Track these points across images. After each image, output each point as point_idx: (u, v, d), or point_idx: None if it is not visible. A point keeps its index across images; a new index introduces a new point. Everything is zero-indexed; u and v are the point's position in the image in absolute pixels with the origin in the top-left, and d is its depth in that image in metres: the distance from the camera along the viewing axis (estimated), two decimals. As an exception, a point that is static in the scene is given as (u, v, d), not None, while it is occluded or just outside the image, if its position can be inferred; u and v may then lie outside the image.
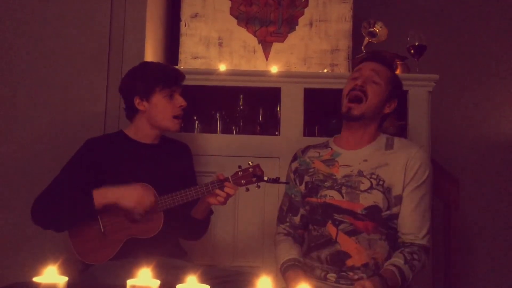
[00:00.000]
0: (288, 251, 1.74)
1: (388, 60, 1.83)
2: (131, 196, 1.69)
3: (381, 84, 1.73)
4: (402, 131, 2.40)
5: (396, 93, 1.79)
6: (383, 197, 1.66)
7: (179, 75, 1.90)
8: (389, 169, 1.69)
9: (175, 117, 1.86)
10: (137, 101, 1.85)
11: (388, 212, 1.66)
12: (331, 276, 1.67)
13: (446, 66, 3.08)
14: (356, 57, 2.45)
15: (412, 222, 1.66)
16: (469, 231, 3.06)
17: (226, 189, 1.72)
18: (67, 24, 2.34)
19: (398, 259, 1.60)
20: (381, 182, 1.67)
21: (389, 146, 1.74)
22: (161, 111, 1.84)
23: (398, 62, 2.47)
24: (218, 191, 1.72)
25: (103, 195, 1.70)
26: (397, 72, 2.43)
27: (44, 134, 2.29)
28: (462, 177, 2.74)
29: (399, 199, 1.67)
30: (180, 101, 1.87)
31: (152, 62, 2.03)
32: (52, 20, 2.34)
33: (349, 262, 1.66)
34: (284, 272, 1.70)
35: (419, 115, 2.33)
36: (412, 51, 2.40)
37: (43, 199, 1.75)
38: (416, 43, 2.39)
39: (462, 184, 2.57)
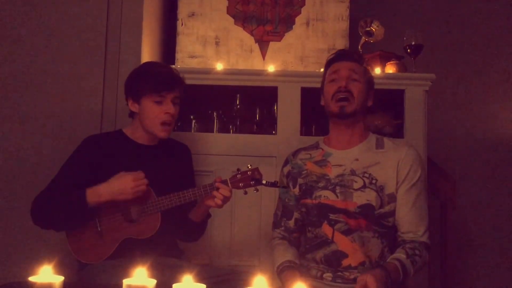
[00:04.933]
0: (284, 254, 1.75)
1: (358, 56, 1.86)
2: (124, 188, 1.67)
3: (361, 81, 1.77)
4: (398, 130, 2.41)
5: (372, 84, 1.84)
6: (376, 196, 1.67)
7: (171, 82, 1.82)
8: (381, 167, 1.71)
9: (163, 123, 1.81)
10: (130, 101, 1.85)
11: (381, 210, 1.68)
12: (327, 275, 1.68)
13: (443, 65, 3.09)
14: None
15: (410, 221, 1.68)
16: (466, 230, 3.07)
17: (221, 191, 1.71)
18: (64, 23, 2.33)
19: (400, 254, 1.62)
20: (373, 181, 1.69)
21: (379, 145, 1.77)
22: (148, 115, 1.82)
23: (394, 62, 2.48)
24: (215, 193, 1.72)
25: (97, 194, 1.68)
26: (393, 71, 2.44)
27: (40, 133, 2.28)
28: (458, 176, 2.75)
29: (392, 197, 1.69)
30: (167, 107, 1.80)
31: (152, 64, 1.96)
32: (49, 18, 2.33)
33: (345, 262, 1.66)
34: (280, 273, 1.71)
35: (416, 114, 2.34)
36: (408, 50, 2.41)
37: (42, 200, 1.75)
38: (413, 43, 2.39)
39: (458, 183, 2.58)
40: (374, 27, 2.58)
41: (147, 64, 1.99)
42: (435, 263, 2.50)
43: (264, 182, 1.73)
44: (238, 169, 1.75)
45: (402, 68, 2.47)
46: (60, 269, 1.13)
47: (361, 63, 1.82)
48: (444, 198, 2.49)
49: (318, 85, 2.36)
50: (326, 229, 1.70)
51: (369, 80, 1.82)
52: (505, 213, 3.10)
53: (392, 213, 1.69)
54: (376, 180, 1.69)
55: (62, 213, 1.71)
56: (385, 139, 1.80)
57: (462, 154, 3.12)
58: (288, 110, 2.35)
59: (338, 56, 1.83)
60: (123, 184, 1.68)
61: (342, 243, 1.67)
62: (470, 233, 3.08)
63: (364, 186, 1.69)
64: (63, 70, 2.32)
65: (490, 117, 3.17)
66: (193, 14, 2.60)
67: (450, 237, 2.46)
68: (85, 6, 2.35)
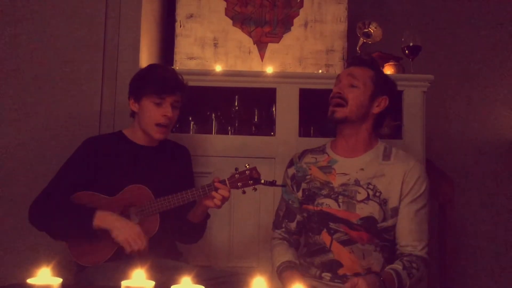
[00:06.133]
0: (284, 254, 1.74)
1: (367, 61, 1.81)
2: (124, 231, 1.66)
3: (360, 86, 1.72)
4: (397, 132, 2.41)
5: (384, 90, 1.76)
6: (379, 209, 1.65)
7: (173, 86, 1.83)
8: (385, 180, 1.68)
9: (158, 125, 1.82)
10: (131, 101, 1.87)
11: (384, 223, 1.66)
12: (326, 275, 1.68)
13: (441, 66, 3.09)
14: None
15: (410, 235, 1.66)
16: (464, 231, 3.07)
17: (220, 191, 1.71)
18: (62, 24, 2.33)
19: (396, 265, 1.60)
20: (377, 194, 1.66)
21: (386, 156, 1.74)
22: (145, 116, 1.83)
23: (392, 63, 2.48)
24: (214, 193, 1.72)
25: (103, 219, 1.68)
26: (392, 72, 2.44)
27: (39, 134, 2.28)
28: (456, 176, 2.75)
29: (395, 211, 1.67)
30: (165, 110, 1.82)
31: (158, 67, 1.98)
32: (47, 19, 2.33)
33: (341, 271, 1.66)
34: (280, 273, 1.70)
35: (414, 115, 2.34)
36: (406, 51, 2.41)
37: (42, 202, 1.75)
38: (411, 44, 2.39)
39: (457, 184, 2.58)
40: (372, 29, 2.58)
41: (153, 65, 2.00)
42: (433, 263, 2.50)
43: (262, 181, 1.73)
44: (236, 169, 1.75)
45: (400, 69, 2.47)
46: (58, 271, 1.13)
47: (370, 66, 1.77)
48: (442, 199, 2.49)
49: (317, 87, 2.37)
50: (325, 237, 1.69)
51: (378, 84, 1.75)
52: (503, 213, 3.10)
53: (395, 227, 1.68)
54: (380, 192, 1.67)
55: (65, 226, 1.71)
56: (394, 150, 1.76)
57: (461, 155, 3.12)
58: (287, 112, 2.35)
59: (348, 63, 1.85)
60: (129, 227, 1.67)
61: (339, 252, 1.66)
62: (468, 234, 3.08)
63: (368, 198, 1.66)
64: (62, 71, 2.32)
65: (488, 118, 3.17)
66: (191, 16, 2.60)
67: (448, 237, 2.46)
68: (83, 7, 2.35)
